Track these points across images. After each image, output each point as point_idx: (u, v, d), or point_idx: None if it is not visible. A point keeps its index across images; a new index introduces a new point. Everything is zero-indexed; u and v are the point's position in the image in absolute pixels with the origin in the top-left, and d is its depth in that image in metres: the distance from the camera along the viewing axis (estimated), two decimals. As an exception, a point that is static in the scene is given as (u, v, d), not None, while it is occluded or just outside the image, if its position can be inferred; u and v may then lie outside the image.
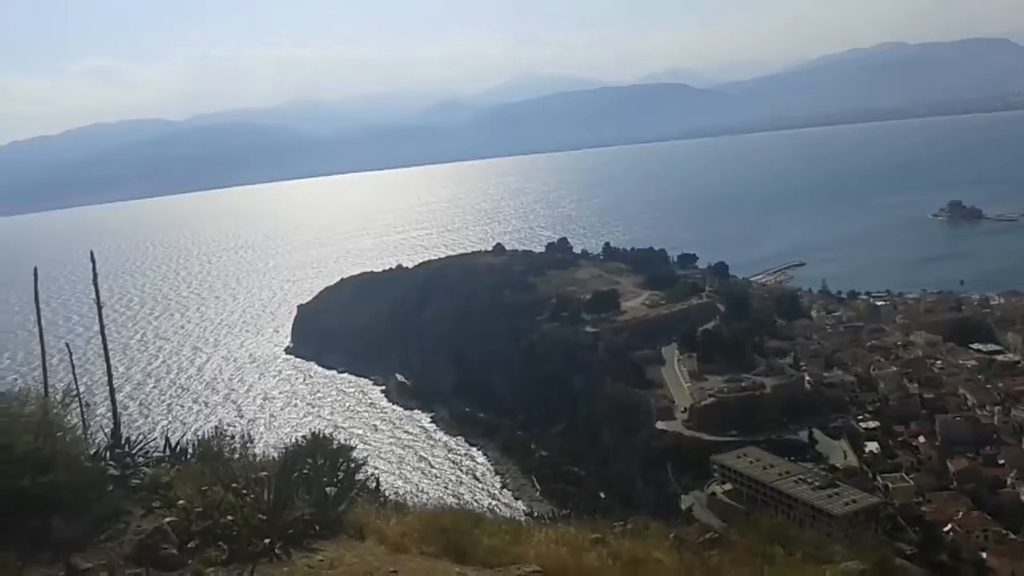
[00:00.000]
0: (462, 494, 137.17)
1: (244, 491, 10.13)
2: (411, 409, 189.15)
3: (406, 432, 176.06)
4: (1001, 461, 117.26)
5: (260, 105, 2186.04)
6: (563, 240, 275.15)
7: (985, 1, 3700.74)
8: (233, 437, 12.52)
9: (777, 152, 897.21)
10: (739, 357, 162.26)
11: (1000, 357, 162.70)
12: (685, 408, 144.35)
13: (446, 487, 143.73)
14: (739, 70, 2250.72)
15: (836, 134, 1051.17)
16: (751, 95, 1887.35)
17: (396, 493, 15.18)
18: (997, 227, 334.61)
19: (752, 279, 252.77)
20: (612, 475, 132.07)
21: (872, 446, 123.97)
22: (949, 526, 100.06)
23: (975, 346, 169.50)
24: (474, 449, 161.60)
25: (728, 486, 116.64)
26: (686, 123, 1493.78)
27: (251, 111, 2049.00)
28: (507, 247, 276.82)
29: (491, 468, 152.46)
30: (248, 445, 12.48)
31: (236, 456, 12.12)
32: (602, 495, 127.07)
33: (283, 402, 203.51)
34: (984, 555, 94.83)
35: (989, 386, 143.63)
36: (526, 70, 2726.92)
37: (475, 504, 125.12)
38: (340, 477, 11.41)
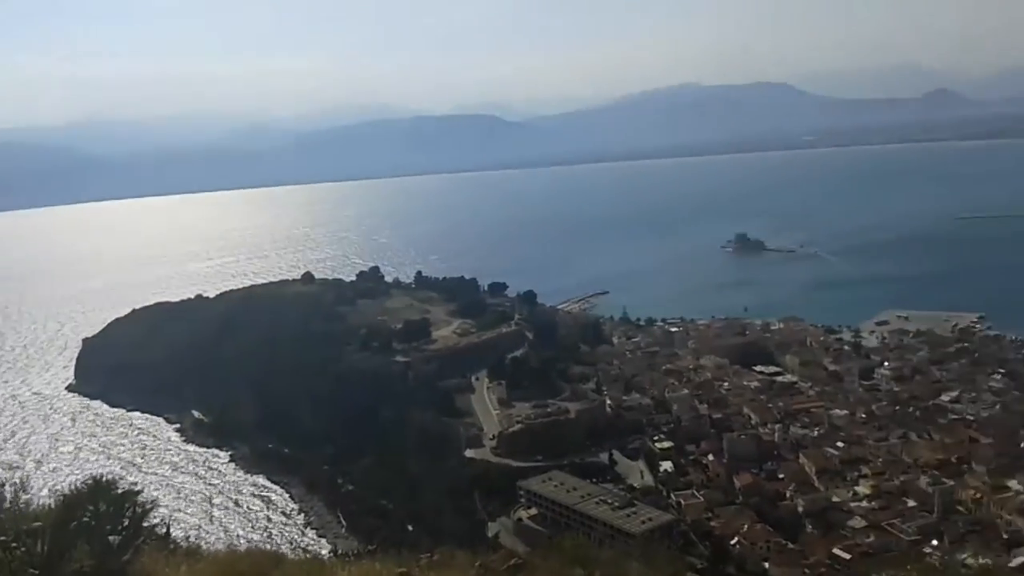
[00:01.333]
0: (263, 535, 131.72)
1: (14, 544, 9.31)
2: (208, 447, 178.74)
3: (202, 472, 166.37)
4: (781, 475, 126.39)
5: (46, 124, 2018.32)
6: (375, 269, 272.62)
7: (771, 49, 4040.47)
8: (2, 486, 11.35)
9: (585, 184, 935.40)
10: (546, 383, 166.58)
11: (780, 378, 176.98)
12: (494, 435, 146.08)
13: (246, 528, 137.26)
14: (549, 105, 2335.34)
15: (639, 169, 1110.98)
16: (561, 129, 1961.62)
17: (189, 538, 14.14)
18: (777, 258, 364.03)
19: (559, 307, 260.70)
20: (420, 506, 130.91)
21: (666, 465, 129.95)
22: (736, 539, 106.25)
23: (758, 368, 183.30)
24: (277, 487, 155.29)
25: (533, 511, 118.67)
26: (498, 154, 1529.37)
27: (34, 130, 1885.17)
28: (317, 276, 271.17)
29: (295, 505, 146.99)
30: (20, 494, 11.36)
31: (5, 506, 11.03)
32: (410, 527, 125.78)
33: (63, 444, 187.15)
34: (767, 565, 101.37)
35: (770, 405, 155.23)
36: (339, 95, 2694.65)
37: (276, 544, 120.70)
38: (125, 524, 10.79)
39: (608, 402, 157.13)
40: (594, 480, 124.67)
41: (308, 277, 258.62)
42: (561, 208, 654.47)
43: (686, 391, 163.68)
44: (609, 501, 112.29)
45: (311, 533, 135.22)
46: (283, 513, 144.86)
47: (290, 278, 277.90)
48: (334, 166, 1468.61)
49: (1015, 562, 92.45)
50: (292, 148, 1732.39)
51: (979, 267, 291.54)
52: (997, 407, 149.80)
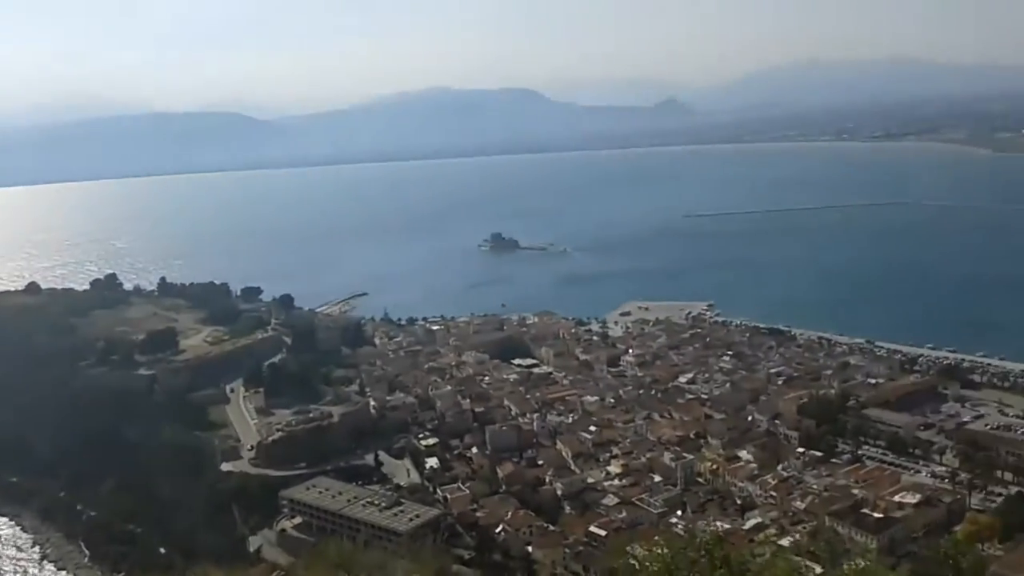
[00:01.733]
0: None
1: None
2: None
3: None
4: (540, 462, 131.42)
5: None
6: (112, 276, 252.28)
7: (518, 56, 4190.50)
8: None
9: (337, 186, 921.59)
10: (307, 389, 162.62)
11: (536, 370, 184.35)
12: (252, 446, 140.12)
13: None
14: (299, 104, 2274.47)
15: (393, 170, 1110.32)
16: (312, 129, 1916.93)
17: None
18: (531, 255, 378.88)
19: (318, 310, 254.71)
20: (173, 527, 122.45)
21: (432, 462, 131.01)
22: (500, 527, 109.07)
23: (516, 361, 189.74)
24: (5, 519, 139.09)
25: (298, 520, 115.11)
26: (247, 153, 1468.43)
27: None
28: (45, 286, 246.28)
29: (28, 538, 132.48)
30: None
31: None
32: (162, 550, 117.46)
33: None
34: (530, 549, 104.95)
35: (528, 396, 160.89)
36: (72, 88, 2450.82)
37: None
38: None
39: (372, 403, 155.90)
40: (360, 483, 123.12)
41: (33, 288, 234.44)
42: (314, 209, 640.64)
43: (449, 387, 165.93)
44: (376, 502, 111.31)
45: (49, 567, 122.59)
46: (15, 547, 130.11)
47: (12, 289, 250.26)
48: (63, 164, 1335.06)
49: (748, 524, 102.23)
50: (22, 144, 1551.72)
51: (706, 260, 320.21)
52: (727, 385, 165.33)
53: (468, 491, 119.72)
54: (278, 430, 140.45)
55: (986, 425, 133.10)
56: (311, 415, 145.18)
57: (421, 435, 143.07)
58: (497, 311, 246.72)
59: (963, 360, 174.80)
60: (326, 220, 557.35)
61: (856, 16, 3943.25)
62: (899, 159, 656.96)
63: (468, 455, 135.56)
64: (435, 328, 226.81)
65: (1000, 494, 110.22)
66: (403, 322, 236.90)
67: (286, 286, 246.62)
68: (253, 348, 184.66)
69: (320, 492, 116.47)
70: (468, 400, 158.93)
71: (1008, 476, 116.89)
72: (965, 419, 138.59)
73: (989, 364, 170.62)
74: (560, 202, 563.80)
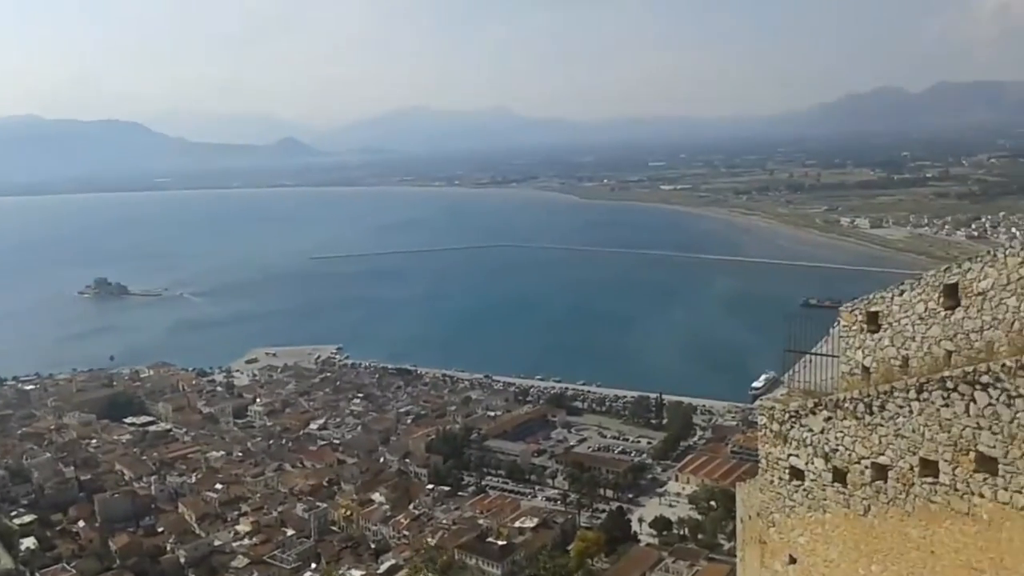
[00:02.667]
0: None
1: None
2: None
3: None
4: (160, 529, 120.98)
5: None
6: None
7: (120, 85, 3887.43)
8: None
9: None
10: None
11: (153, 427, 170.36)
12: None
13: None
14: None
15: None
16: None
17: None
18: (143, 302, 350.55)
19: None
20: None
21: (28, 542, 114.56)
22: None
23: (129, 420, 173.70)
24: None
25: None
26: None
27: None
28: None
29: None
30: None
31: None
32: None
33: None
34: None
35: (145, 457, 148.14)
36: None
37: None
38: None
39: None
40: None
41: None
42: None
43: (48, 455, 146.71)
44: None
45: None
46: None
47: None
48: None
49: (383, 567, 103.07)
50: None
51: (333, 302, 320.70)
52: (359, 428, 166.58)
53: (75, 570, 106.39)
54: None
55: (589, 448, 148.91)
56: None
57: (14, 512, 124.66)
58: (105, 365, 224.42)
59: (567, 388, 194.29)
60: None
61: (462, 68, 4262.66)
62: (504, 204, 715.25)
63: (74, 530, 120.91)
64: (29, 388, 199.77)
65: (604, 510, 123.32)
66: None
67: None
68: None
69: None
70: (72, 467, 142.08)
71: (609, 493, 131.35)
72: (572, 443, 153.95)
73: (589, 391, 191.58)
74: (175, 243, 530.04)
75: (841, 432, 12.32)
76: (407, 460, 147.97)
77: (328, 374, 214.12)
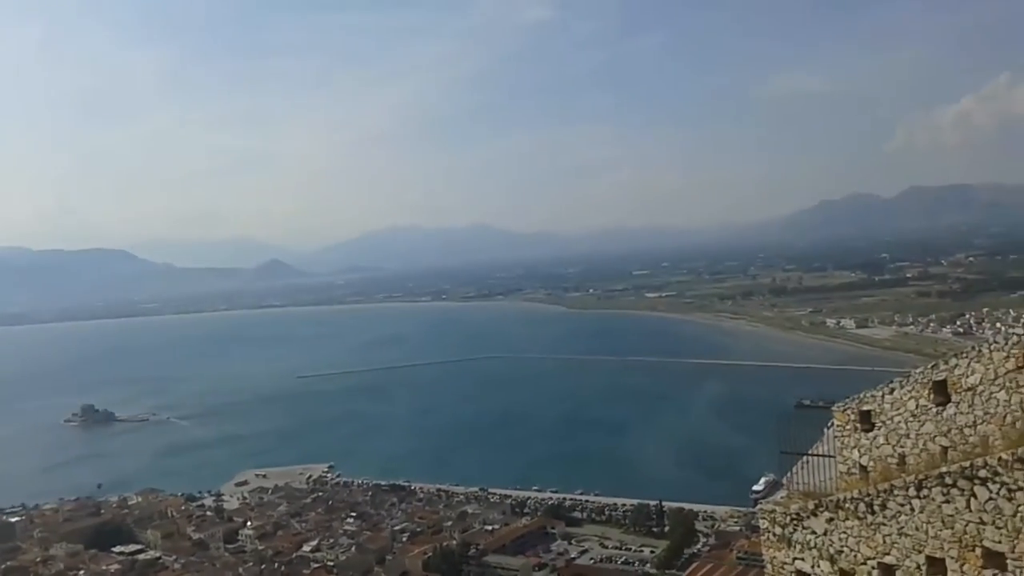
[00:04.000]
0: None
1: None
2: None
3: None
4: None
5: None
6: None
7: (104, 217, 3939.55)
8: None
9: None
10: None
11: (142, 556, 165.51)
12: None
13: None
14: None
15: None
16: None
17: None
18: (130, 427, 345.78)
19: None
20: None
21: None
22: None
23: (117, 549, 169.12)
24: None
25: None
26: None
27: None
28: None
29: None
30: None
31: None
32: None
33: None
34: None
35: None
36: None
37: None
38: None
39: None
40: None
41: None
42: None
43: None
44: None
45: None
46: None
47: None
48: None
49: None
50: None
51: (322, 419, 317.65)
52: (353, 548, 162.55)
53: None
54: None
55: (591, 559, 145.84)
56: None
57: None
58: (92, 493, 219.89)
59: (565, 499, 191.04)
60: None
61: (441, 189, 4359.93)
62: (491, 317, 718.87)
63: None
64: (14, 520, 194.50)
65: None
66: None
67: None
68: None
69: None
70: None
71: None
72: (573, 555, 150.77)
73: (587, 500, 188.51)
74: (162, 368, 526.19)
75: (844, 533, 12.10)
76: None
77: (320, 493, 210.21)
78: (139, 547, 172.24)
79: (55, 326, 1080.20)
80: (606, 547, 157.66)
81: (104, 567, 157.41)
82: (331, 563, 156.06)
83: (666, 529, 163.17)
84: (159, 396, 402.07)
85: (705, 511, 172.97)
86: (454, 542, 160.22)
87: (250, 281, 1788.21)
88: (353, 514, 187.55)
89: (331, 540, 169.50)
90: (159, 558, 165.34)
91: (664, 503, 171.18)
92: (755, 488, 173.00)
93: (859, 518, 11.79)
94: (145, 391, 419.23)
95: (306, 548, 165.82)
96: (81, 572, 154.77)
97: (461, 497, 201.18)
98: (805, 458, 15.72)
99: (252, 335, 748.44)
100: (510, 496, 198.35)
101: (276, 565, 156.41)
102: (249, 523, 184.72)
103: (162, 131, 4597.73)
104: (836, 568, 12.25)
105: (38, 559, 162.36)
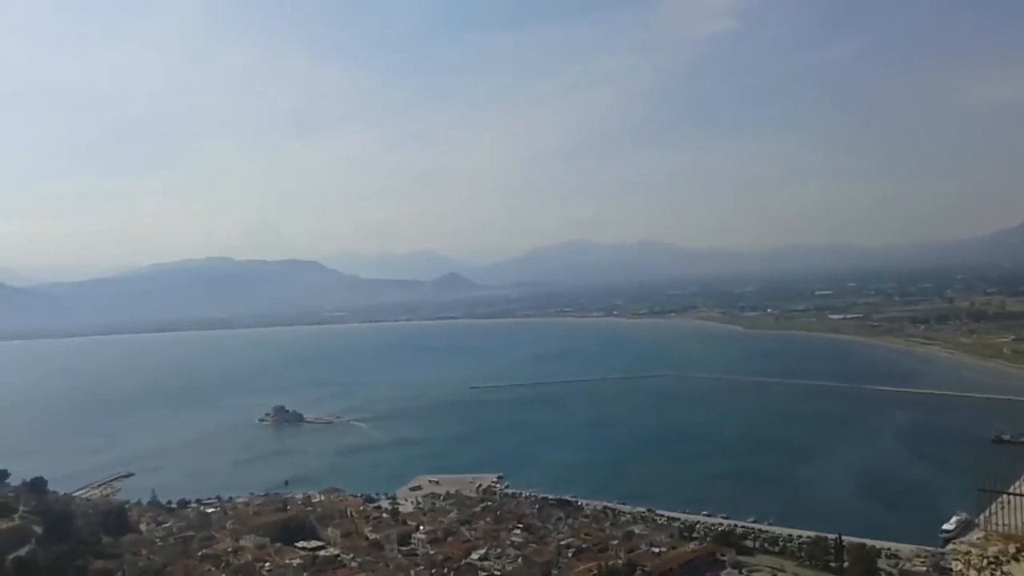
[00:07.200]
0: None
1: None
2: None
3: None
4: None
5: None
6: None
7: (298, 229, 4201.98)
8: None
9: (105, 357, 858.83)
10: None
11: (322, 552, 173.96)
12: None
13: None
14: (62, 271, 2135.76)
15: (173, 341, 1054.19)
16: (75, 298, 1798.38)
17: None
18: (317, 428, 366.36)
19: (76, 494, 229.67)
20: None
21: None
22: None
23: (300, 544, 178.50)
24: None
25: None
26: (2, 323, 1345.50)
27: None
28: None
29: None
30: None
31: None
32: None
33: None
34: None
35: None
36: None
37: None
38: None
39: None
40: None
41: None
42: (75, 383, 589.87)
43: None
44: None
45: None
46: None
47: None
48: None
49: None
50: None
51: (493, 430, 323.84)
52: (519, 560, 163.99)
53: None
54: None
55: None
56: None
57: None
58: (280, 489, 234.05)
59: (736, 526, 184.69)
60: (90, 394, 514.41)
61: (615, 204, 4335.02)
62: (663, 334, 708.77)
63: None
64: (210, 511, 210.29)
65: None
66: (174, 505, 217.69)
67: (39, 467, 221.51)
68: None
69: None
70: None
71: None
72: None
73: (760, 529, 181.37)
74: (346, 374, 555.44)
75: (1049, 581, 10.99)
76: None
77: (489, 503, 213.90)
78: (320, 544, 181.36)
79: (254, 331, 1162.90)
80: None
81: (288, 561, 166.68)
82: (498, 572, 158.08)
83: (845, 565, 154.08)
84: (343, 400, 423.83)
85: (888, 548, 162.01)
86: (619, 561, 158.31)
87: (429, 293, 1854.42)
88: (520, 525, 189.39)
89: (498, 550, 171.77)
90: (338, 555, 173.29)
91: (844, 537, 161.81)
92: (945, 527, 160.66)
93: (1067, 566, 10.76)
94: (331, 394, 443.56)
95: (474, 556, 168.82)
96: (267, 564, 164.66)
97: (627, 516, 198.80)
98: (1005, 497, 14.32)
99: (430, 345, 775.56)
100: (678, 519, 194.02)
101: (445, 570, 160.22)
102: (422, 527, 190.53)
103: (348, 149, 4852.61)
104: (1037, 618, 11.21)
105: (230, 549, 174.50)
